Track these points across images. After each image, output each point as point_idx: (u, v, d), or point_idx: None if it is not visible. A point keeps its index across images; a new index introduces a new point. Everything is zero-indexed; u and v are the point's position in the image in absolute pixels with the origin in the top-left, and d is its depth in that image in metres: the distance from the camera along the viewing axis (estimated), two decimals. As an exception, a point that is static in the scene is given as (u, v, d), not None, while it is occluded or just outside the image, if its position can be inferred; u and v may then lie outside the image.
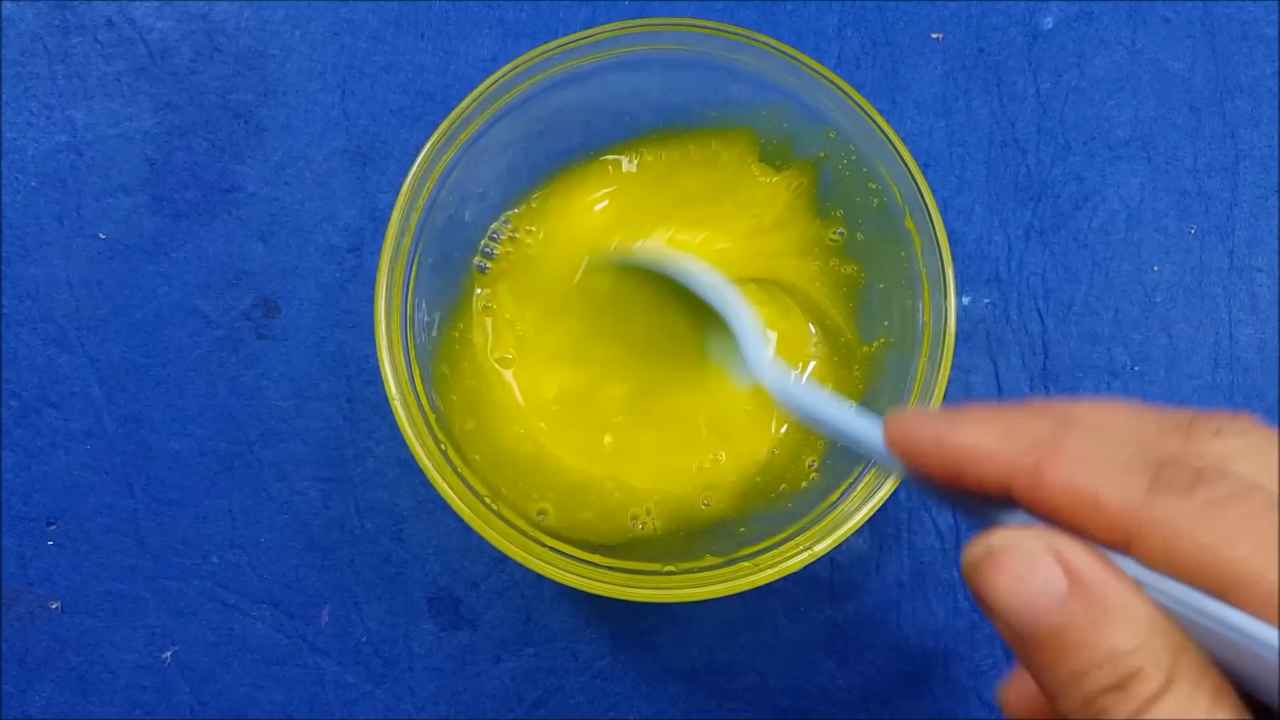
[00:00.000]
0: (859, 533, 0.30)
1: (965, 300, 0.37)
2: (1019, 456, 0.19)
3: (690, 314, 0.32)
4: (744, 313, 0.29)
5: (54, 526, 0.36)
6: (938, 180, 0.38)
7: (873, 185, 0.32)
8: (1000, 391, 0.37)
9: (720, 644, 0.36)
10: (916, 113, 0.38)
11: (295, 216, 0.37)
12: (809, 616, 0.36)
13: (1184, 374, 0.37)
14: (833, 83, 0.31)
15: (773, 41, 0.31)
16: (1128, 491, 0.18)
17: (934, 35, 0.39)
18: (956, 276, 0.37)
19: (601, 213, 0.35)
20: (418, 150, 0.33)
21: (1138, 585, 0.18)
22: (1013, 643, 0.19)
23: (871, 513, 0.29)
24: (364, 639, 0.35)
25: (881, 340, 0.33)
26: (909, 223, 0.31)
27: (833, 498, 0.30)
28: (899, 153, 0.31)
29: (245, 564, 0.36)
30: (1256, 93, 0.39)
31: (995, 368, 0.37)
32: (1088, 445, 0.19)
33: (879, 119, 0.31)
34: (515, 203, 0.34)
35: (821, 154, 0.33)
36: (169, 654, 0.35)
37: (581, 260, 0.34)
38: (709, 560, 0.30)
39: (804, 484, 0.33)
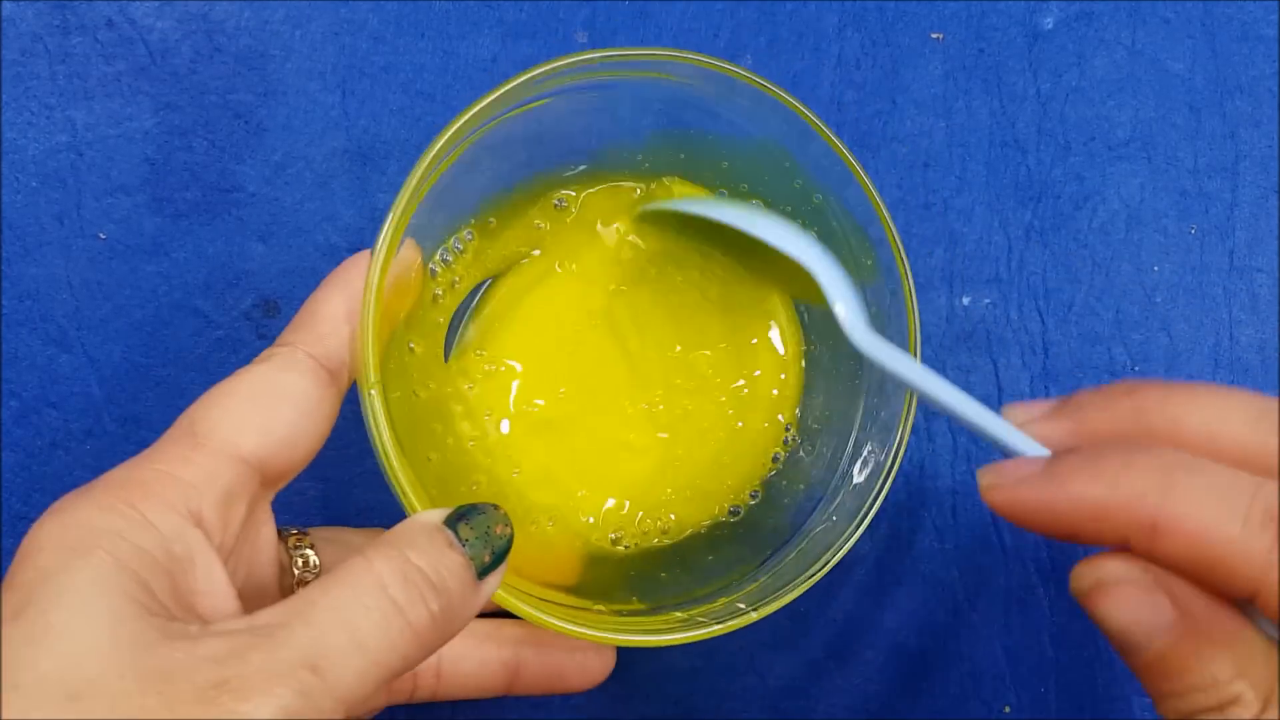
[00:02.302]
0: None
1: (965, 300, 0.37)
2: (1132, 515, 0.19)
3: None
4: (833, 264, 0.27)
5: (54, 526, 0.36)
6: (938, 180, 0.38)
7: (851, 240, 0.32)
8: (1000, 392, 0.37)
9: (720, 644, 0.36)
10: (916, 113, 0.38)
11: (295, 216, 0.37)
12: (809, 617, 0.36)
13: (1184, 374, 0.37)
14: (815, 125, 0.31)
15: (762, 81, 0.31)
16: (1250, 551, 0.18)
17: (934, 35, 0.39)
18: (956, 279, 0.37)
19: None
20: (418, 150, 0.33)
21: (1244, 618, 0.19)
22: (1120, 653, 0.20)
23: (824, 573, 0.29)
24: (364, 639, 0.35)
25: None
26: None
27: (792, 551, 0.30)
28: (875, 203, 0.30)
29: (245, 564, 0.36)
30: (1256, 93, 0.39)
31: (995, 367, 0.37)
32: (1200, 500, 0.19)
33: (855, 166, 0.31)
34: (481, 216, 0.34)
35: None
36: (169, 654, 0.35)
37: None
38: (635, 605, 0.30)
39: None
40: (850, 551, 0.36)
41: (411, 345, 0.33)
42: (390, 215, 0.29)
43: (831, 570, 0.36)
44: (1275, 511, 0.18)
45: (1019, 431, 0.23)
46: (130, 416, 0.36)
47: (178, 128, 0.38)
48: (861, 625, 0.36)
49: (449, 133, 0.29)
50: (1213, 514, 0.19)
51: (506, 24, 0.38)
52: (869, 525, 0.29)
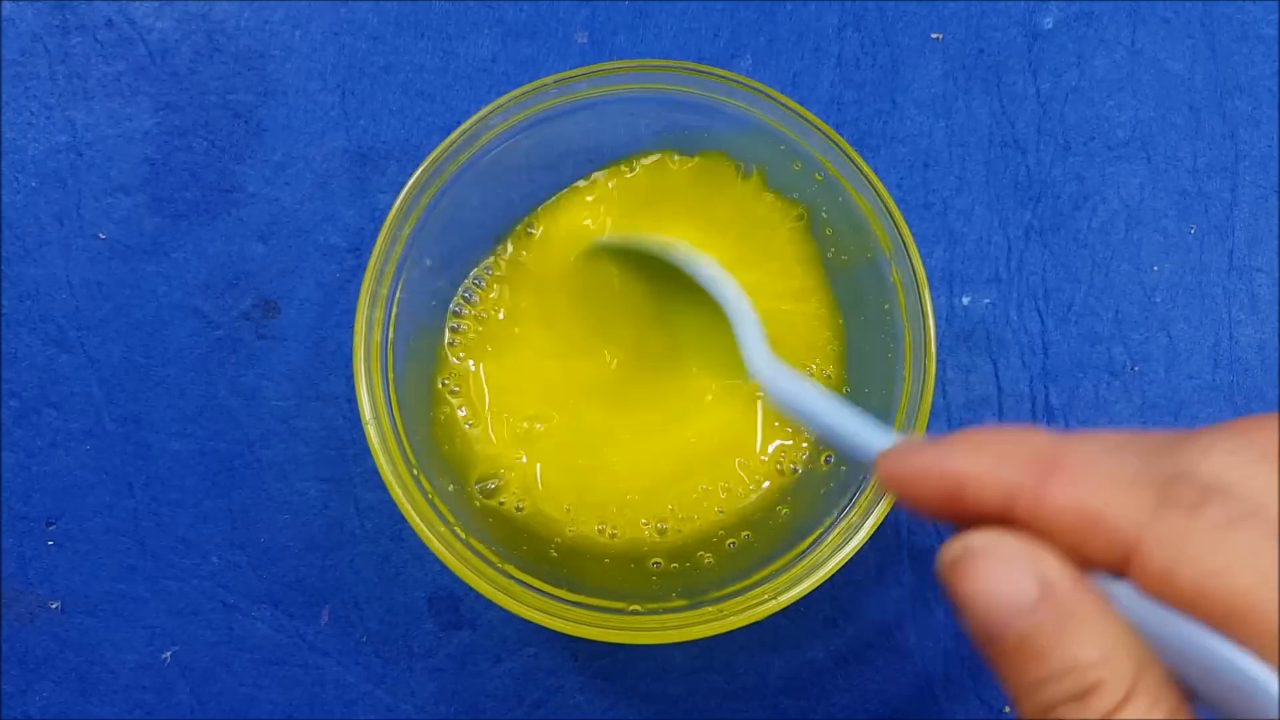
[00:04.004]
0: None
1: (965, 300, 0.37)
2: (1020, 475, 0.19)
3: (678, 317, 0.32)
4: (742, 301, 0.28)
5: (54, 526, 0.36)
6: (938, 180, 0.38)
7: (858, 233, 0.32)
8: (1000, 392, 0.37)
9: (720, 644, 0.36)
10: (916, 113, 0.38)
11: (295, 216, 0.37)
12: (809, 616, 0.36)
13: (1184, 374, 0.37)
14: (817, 127, 0.31)
15: (761, 86, 0.31)
16: (1133, 509, 0.18)
17: (934, 35, 0.39)
18: (955, 279, 0.38)
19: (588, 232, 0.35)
20: (418, 151, 0.33)
21: (1108, 600, 0.18)
22: (980, 643, 0.19)
23: (842, 563, 0.29)
24: (364, 639, 0.35)
25: (851, 390, 0.33)
26: (894, 275, 0.31)
27: (803, 545, 0.30)
28: (880, 196, 0.30)
29: (245, 564, 0.36)
30: (1256, 93, 0.39)
31: (995, 368, 0.37)
32: (1092, 461, 0.19)
33: (862, 164, 0.31)
34: (500, 238, 0.34)
35: (803, 207, 0.33)
36: (169, 654, 0.35)
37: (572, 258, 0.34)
38: (675, 602, 0.30)
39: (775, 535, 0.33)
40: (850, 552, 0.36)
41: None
42: (378, 247, 0.30)
43: (832, 570, 0.36)
44: (1160, 477, 0.18)
45: (881, 430, 0.23)
46: (130, 416, 0.36)
47: (177, 128, 0.38)
48: (861, 625, 0.36)
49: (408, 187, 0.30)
50: (1104, 467, 0.19)
51: (506, 24, 0.38)
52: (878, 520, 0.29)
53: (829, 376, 0.34)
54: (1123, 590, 0.18)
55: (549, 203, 0.34)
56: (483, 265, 0.34)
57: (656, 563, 0.33)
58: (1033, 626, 0.18)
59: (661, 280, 0.31)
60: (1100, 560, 0.19)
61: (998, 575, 0.19)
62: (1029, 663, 0.19)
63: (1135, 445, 0.19)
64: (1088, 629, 0.18)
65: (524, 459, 0.33)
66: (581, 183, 0.34)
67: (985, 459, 0.20)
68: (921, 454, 0.20)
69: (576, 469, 0.33)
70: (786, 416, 0.25)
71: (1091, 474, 0.19)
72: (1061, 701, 0.18)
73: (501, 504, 0.33)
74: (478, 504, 0.32)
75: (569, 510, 0.33)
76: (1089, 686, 0.18)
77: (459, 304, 0.34)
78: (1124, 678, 0.18)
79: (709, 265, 0.29)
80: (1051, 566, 0.19)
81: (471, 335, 0.34)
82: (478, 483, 0.33)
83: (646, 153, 0.34)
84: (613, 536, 0.33)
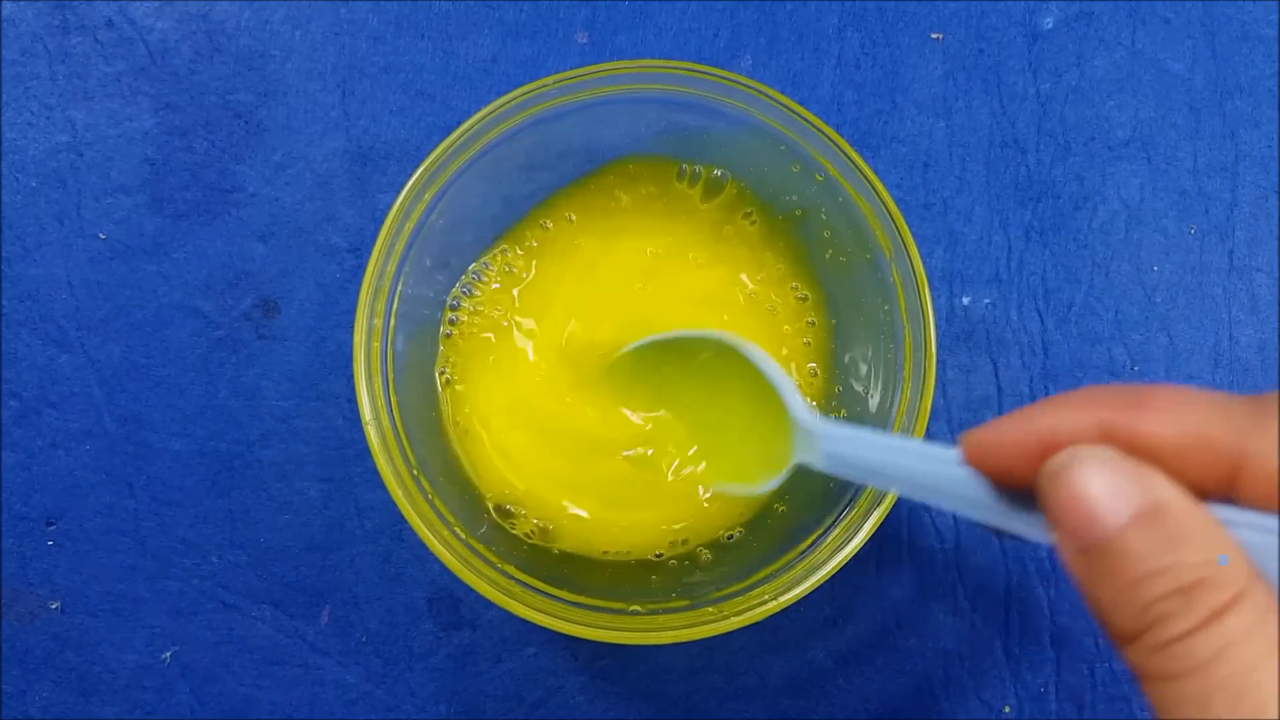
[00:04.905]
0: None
1: (965, 300, 0.37)
2: (1113, 411, 0.19)
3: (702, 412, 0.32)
4: (781, 373, 0.28)
5: (54, 527, 0.36)
6: (938, 180, 0.38)
7: (858, 236, 0.32)
8: (1000, 392, 0.37)
9: (720, 644, 0.36)
10: (916, 113, 0.38)
11: (295, 217, 0.37)
12: (809, 616, 0.36)
13: (1184, 374, 0.37)
14: (817, 128, 0.31)
15: (761, 86, 0.31)
16: (1232, 426, 0.18)
17: (934, 35, 0.39)
18: (956, 279, 0.38)
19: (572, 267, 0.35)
20: (418, 151, 0.33)
21: (1218, 520, 0.18)
22: (1075, 553, 0.19)
23: (842, 564, 0.29)
24: (364, 639, 0.36)
25: (857, 390, 0.33)
26: (894, 276, 0.31)
27: (803, 546, 0.30)
28: (880, 196, 0.30)
29: (245, 564, 0.36)
30: (1256, 93, 0.39)
31: (995, 368, 0.37)
32: (1179, 393, 0.19)
33: (862, 164, 0.31)
34: (495, 244, 0.34)
35: (800, 210, 0.33)
36: (169, 654, 0.36)
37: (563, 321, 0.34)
38: (675, 602, 0.30)
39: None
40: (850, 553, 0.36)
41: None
42: (377, 248, 0.30)
43: (832, 571, 0.36)
44: (1252, 399, 0.18)
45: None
46: (130, 416, 0.36)
47: (178, 128, 0.38)
48: (861, 625, 0.36)
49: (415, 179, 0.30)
50: (1194, 397, 0.19)
51: (506, 24, 0.38)
52: (878, 523, 0.29)
53: (814, 374, 0.34)
54: (1233, 515, 0.18)
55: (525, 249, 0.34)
56: (482, 263, 0.34)
57: (658, 554, 0.33)
58: (1136, 532, 0.18)
59: (684, 376, 0.31)
60: (1204, 482, 0.18)
61: (1103, 478, 0.18)
62: (1129, 564, 0.18)
63: (1212, 391, 0.20)
64: (1195, 535, 0.18)
65: (518, 471, 0.33)
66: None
67: (1071, 410, 0.20)
68: (1005, 422, 0.21)
69: (575, 488, 0.33)
70: (845, 476, 0.25)
71: (1183, 402, 0.19)
72: (1162, 597, 0.17)
73: (513, 527, 0.33)
74: (483, 505, 0.32)
75: (573, 534, 0.33)
76: (1194, 582, 0.17)
77: (457, 298, 0.34)
78: (1232, 580, 0.17)
79: (754, 347, 0.29)
80: (1158, 479, 0.18)
81: (470, 332, 0.34)
82: (495, 504, 0.33)
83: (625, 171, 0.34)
84: (626, 553, 0.33)
